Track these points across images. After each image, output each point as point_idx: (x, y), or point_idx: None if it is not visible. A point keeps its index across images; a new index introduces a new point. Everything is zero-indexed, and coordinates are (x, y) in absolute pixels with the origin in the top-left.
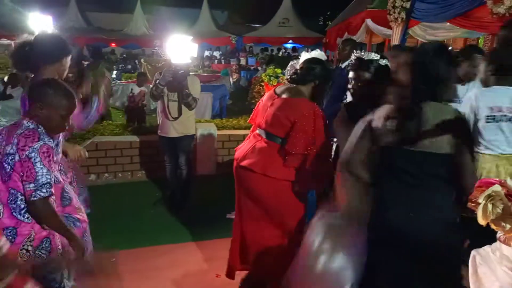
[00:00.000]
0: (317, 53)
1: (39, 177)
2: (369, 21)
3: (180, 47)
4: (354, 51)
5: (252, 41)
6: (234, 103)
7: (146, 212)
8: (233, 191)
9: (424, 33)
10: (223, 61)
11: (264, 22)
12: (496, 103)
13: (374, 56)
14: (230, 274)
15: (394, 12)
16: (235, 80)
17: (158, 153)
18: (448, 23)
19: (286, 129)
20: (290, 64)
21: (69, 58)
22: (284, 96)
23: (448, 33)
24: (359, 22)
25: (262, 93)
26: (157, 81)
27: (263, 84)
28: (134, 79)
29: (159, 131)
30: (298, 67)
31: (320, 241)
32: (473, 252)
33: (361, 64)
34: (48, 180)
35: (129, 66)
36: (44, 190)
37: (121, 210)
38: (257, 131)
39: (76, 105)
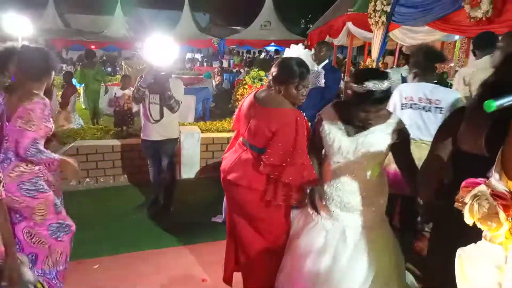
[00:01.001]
0: (300, 50)
1: None
2: (350, 24)
3: (161, 49)
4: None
5: (234, 44)
6: (217, 105)
7: (129, 217)
8: (218, 194)
9: (404, 36)
10: (205, 64)
11: (246, 25)
12: (409, 94)
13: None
14: (227, 278)
15: (375, 16)
16: (217, 82)
17: (140, 157)
18: (427, 27)
19: (268, 140)
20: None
21: (53, 73)
22: (266, 105)
23: (427, 36)
24: (340, 25)
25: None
26: (139, 83)
27: (246, 86)
28: (115, 82)
29: (141, 135)
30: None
31: (322, 242)
32: (459, 251)
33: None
34: None
35: (109, 69)
36: None
37: (103, 215)
38: (241, 140)
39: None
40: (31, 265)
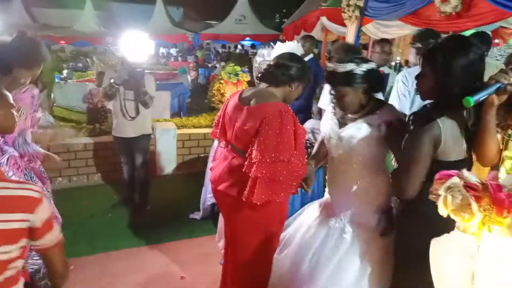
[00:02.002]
0: (293, 45)
1: None
2: (324, 19)
3: (135, 45)
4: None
5: (209, 38)
6: (193, 101)
7: (104, 216)
8: (195, 191)
9: (377, 30)
10: (180, 59)
11: (220, 19)
12: None
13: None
14: None
15: (348, 10)
16: (193, 77)
17: (114, 154)
18: (399, 21)
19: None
20: (257, 59)
21: (42, 65)
22: (250, 103)
23: (400, 30)
24: (315, 19)
25: (221, 91)
26: (112, 80)
27: (222, 81)
28: (87, 78)
29: (113, 132)
30: (269, 62)
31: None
32: (433, 241)
33: None
34: None
35: (80, 65)
36: None
37: (77, 215)
38: (230, 147)
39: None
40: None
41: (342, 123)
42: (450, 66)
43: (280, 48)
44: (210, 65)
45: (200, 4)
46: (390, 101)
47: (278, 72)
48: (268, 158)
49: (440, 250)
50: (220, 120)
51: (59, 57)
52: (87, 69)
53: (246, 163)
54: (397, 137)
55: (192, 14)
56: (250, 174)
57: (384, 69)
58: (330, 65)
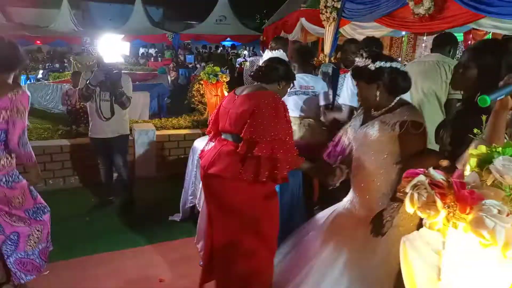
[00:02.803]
0: (279, 54)
1: None
2: (303, 20)
3: (111, 46)
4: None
5: (189, 38)
6: (173, 101)
7: (81, 220)
8: (175, 192)
9: (354, 32)
10: (159, 59)
11: (201, 19)
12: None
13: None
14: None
15: (326, 12)
16: (173, 78)
17: (91, 156)
18: (375, 23)
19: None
20: (250, 60)
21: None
22: (245, 92)
23: (375, 32)
24: (294, 21)
25: (201, 91)
26: (88, 81)
27: (202, 82)
28: (64, 79)
29: (90, 133)
30: (260, 64)
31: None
32: (403, 238)
33: None
34: None
35: (57, 65)
36: None
37: (53, 219)
38: (223, 136)
39: None
40: (13, 247)
41: (364, 121)
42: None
43: (268, 54)
44: (190, 65)
45: (180, 4)
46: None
47: (269, 72)
48: (268, 137)
49: (409, 246)
50: (213, 117)
51: (35, 58)
52: (64, 69)
53: (240, 144)
54: (408, 138)
55: (172, 14)
56: (249, 154)
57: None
58: (356, 59)
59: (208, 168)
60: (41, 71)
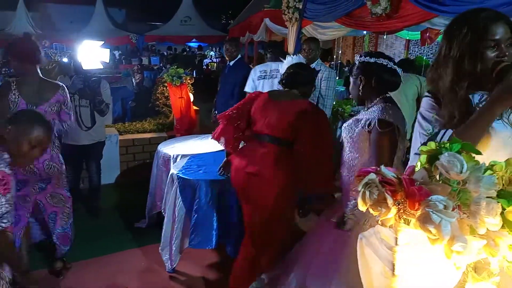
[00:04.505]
0: (299, 58)
1: None
2: (267, 21)
3: (90, 52)
4: None
5: (154, 40)
6: (138, 105)
7: None
8: (140, 199)
9: (315, 32)
10: (124, 61)
11: (165, 21)
12: (262, 69)
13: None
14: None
15: (289, 12)
16: (138, 80)
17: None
18: (336, 23)
19: (291, 130)
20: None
21: None
22: (283, 100)
23: (336, 32)
24: (259, 21)
25: (166, 94)
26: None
27: (166, 84)
28: None
29: (63, 139)
30: (288, 71)
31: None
32: (360, 235)
33: None
34: (4, 211)
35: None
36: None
37: None
38: (258, 137)
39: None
40: (52, 224)
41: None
42: None
43: (290, 61)
44: (156, 67)
45: (143, 5)
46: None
47: (294, 77)
48: (312, 146)
49: (366, 244)
50: (238, 122)
51: None
52: None
53: (278, 145)
54: (374, 138)
55: (135, 16)
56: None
57: (320, 66)
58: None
59: (245, 168)
60: None
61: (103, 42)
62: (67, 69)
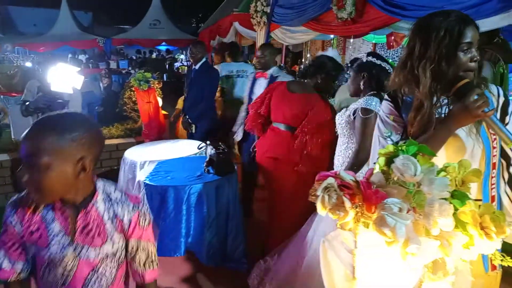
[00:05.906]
0: (333, 53)
1: None
2: (236, 24)
3: (62, 75)
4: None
5: (122, 43)
6: (106, 110)
7: None
8: None
9: (284, 36)
10: (91, 65)
11: (134, 24)
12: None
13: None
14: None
15: (257, 16)
16: (106, 85)
17: (13, 174)
18: (303, 27)
19: (301, 120)
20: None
21: None
22: (297, 92)
23: (304, 36)
24: (228, 25)
25: (133, 99)
26: (27, 103)
27: (133, 89)
28: None
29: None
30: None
31: None
32: (322, 239)
33: None
34: None
35: None
36: None
37: None
38: (275, 125)
39: None
40: None
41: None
42: None
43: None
44: (124, 71)
45: (110, 8)
46: None
47: (308, 68)
48: (317, 129)
49: (328, 247)
50: (262, 110)
51: None
52: None
53: (291, 132)
54: (358, 124)
55: (102, 19)
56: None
57: (278, 73)
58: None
59: (265, 153)
60: None
61: (79, 69)
62: (30, 74)
